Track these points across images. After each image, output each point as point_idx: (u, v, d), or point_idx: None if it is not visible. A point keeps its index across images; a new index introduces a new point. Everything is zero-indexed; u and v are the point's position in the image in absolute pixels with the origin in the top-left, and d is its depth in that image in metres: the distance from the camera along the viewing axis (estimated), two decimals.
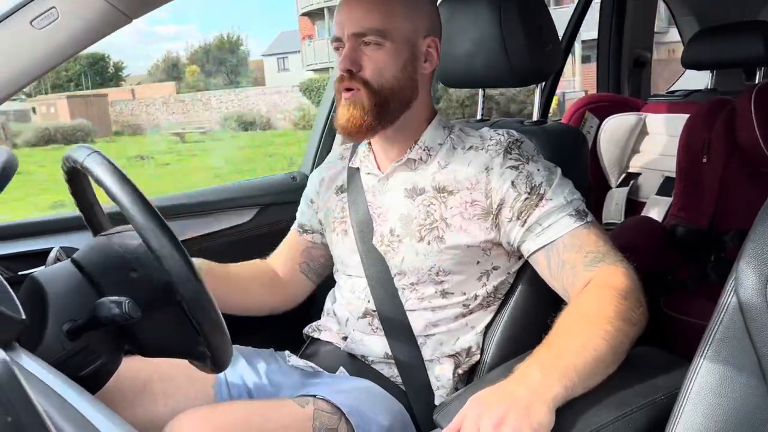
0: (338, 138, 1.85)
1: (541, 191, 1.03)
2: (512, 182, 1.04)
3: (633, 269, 0.98)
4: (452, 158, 1.12)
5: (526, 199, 1.03)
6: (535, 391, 0.82)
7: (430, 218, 1.09)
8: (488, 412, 0.80)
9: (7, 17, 0.93)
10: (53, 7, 0.93)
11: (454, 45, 1.27)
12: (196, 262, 0.95)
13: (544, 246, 1.02)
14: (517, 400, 0.80)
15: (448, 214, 1.08)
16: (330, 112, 1.85)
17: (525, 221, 1.03)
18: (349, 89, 1.07)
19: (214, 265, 1.25)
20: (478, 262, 1.11)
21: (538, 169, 1.06)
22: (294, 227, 1.39)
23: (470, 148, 1.12)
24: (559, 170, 1.08)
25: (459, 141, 1.14)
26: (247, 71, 34.51)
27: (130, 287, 0.86)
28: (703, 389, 0.71)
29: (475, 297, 1.13)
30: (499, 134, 1.11)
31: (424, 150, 1.13)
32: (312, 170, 1.78)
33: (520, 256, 1.11)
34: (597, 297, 0.94)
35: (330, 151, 1.76)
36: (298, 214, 1.38)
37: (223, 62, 33.68)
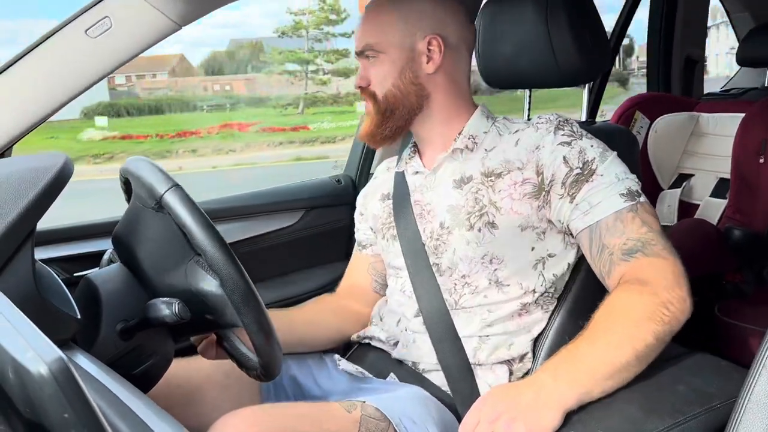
0: None
1: (593, 166, 1.02)
2: (564, 157, 1.03)
3: (676, 259, 0.96)
4: (499, 142, 1.12)
5: (577, 174, 1.01)
6: (540, 396, 0.86)
7: (479, 204, 1.08)
8: (489, 407, 0.87)
9: (63, 27, 0.96)
10: (107, 17, 0.96)
11: (498, 44, 1.24)
12: None
13: (589, 226, 1.00)
14: (519, 404, 0.86)
15: (496, 198, 1.07)
16: None
17: (574, 197, 1.02)
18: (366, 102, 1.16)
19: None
20: (533, 248, 1.08)
21: (592, 145, 1.04)
22: (355, 249, 1.37)
23: (517, 131, 1.12)
24: (614, 152, 1.05)
25: (504, 128, 1.14)
26: None
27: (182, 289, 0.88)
28: (763, 397, 0.68)
29: (534, 292, 1.09)
30: (547, 115, 1.11)
31: (469, 139, 1.13)
32: (357, 172, 1.79)
33: (575, 242, 1.08)
34: (626, 298, 0.93)
35: (374, 153, 1.77)
36: (356, 234, 1.37)
37: None
